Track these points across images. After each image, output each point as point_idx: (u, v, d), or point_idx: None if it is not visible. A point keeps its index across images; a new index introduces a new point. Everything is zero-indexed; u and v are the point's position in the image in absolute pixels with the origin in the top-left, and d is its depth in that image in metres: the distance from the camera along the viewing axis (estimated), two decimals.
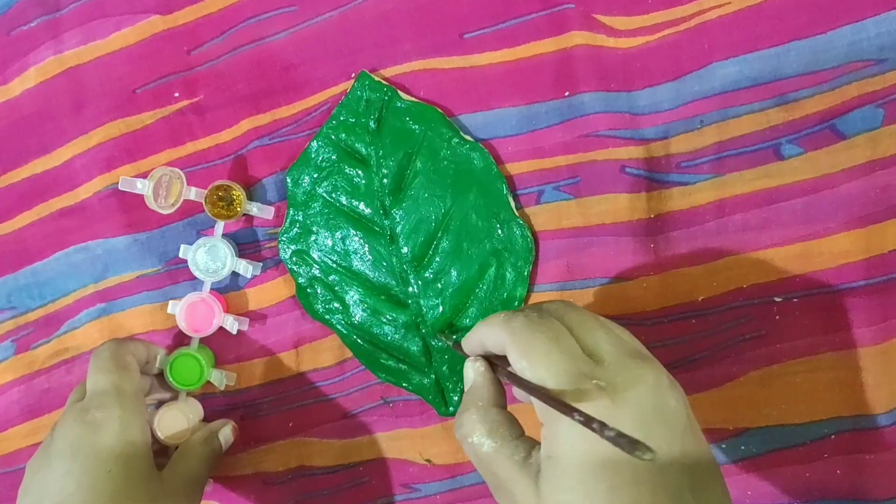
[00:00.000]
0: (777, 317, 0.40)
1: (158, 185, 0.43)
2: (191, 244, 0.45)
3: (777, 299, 0.40)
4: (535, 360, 0.29)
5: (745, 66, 0.40)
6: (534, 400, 0.29)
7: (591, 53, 0.41)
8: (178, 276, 0.47)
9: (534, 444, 0.30)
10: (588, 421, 0.25)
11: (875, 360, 0.39)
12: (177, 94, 0.46)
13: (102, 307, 0.48)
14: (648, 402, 0.28)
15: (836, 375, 0.40)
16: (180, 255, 0.45)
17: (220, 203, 0.44)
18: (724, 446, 0.41)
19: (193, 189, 0.44)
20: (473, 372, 0.33)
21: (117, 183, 0.47)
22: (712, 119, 0.40)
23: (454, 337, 0.42)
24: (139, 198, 0.46)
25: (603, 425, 0.24)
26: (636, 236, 0.41)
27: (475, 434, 0.30)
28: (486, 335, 0.32)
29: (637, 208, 0.41)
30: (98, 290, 0.48)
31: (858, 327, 0.39)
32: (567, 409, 0.26)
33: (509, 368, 0.30)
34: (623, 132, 0.41)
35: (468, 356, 0.34)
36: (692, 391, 0.41)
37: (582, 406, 0.27)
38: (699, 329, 0.41)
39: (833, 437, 0.40)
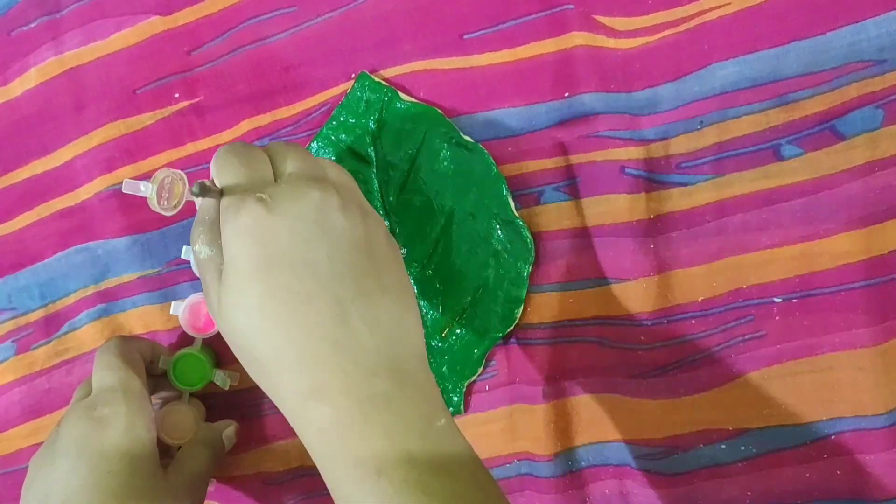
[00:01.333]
0: (777, 317, 0.40)
1: (161, 187, 0.43)
2: (185, 246, 0.45)
3: (777, 299, 0.40)
4: (221, 175, 0.32)
5: (745, 67, 0.40)
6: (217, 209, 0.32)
7: (591, 54, 0.41)
8: (178, 276, 0.47)
9: None
10: (197, 186, 0.30)
11: (875, 360, 0.39)
12: (177, 95, 0.46)
13: (103, 308, 0.48)
14: (308, 216, 0.30)
15: (836, 375, 0.40)
16: (182, 256, 0.45)
17: None
18: (723, 446, 0.41)
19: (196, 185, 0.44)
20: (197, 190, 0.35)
21: (118, 184, 0.47)
22: (712, 119, 0.40)
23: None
24: (139, 199, 0.46)
25: (198, 183, 0.29)
26: (636, 237, 0.41)
27: (198, 243, 0.32)
28: (211, 164, 0.34)
29: (637, 209, 0.41)
30: (98, 290, 0.48)
31: (858, 328, 0.39)
32: (200, 190, 0.30)
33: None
34: (623, 133, 0.41)
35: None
36: (692, 392, 0.41)
37: (240, 214, 0.30)
38: (699, 329, 0.41)
39: (833, 437, 0.40)
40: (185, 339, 0.47)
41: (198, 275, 0.45)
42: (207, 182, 0.31)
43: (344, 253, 0.31)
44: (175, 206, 0.44)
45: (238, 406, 0.47)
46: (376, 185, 0.44)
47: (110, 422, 0.38)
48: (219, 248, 0.31)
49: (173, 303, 0.45)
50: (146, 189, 0.42)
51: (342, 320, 0.30)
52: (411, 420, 0.30)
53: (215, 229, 0.32)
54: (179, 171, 0.43)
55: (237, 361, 0.46)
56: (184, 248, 0.45)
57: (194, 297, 0.45)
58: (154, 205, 0.43)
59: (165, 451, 0.44)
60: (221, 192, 0.32)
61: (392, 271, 0.33)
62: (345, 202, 0.31)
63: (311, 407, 0.30)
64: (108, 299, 0.48)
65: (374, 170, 0.44)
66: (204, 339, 0.46)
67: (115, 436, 0.37)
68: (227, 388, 0.46)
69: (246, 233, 0.30)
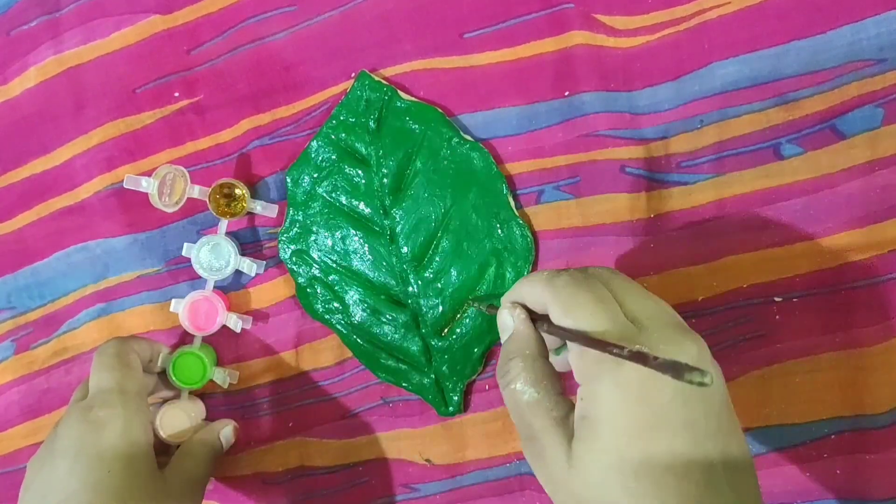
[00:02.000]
0: (777, 317, 0.40)
1: (163, 183, 0.43)
2: (192, 243, 0.45)
3: (777, 299, 0.40)
4: (579, 318, 0.28)
5: (745, 66, 0.40)
6: (572, 359, 0.28)
7: (591, 53, 0.41)
8: (178, 275, 0.47)
9: (573, 406, 0.30)
10: (635, 355, 0.24)
11: (875, 359, 0.39)
12: (177, 94, 0.46)
13: (102, 307, 0.48)
14: None
15: (836, 375, 0.40)
16: (183, 254, 0.45)
17: (225, 201, 0.44)
18: None
19: (197, 187, 0.44)
20: (514, 319, 0.32)
21: (117, 183, 0.47)
22: (712, 119, 0.40)
23: (481, 303, 0.41)
24: (139, 197, 0.46)
25: (650, 355, 0.24)
26: (636, 236, 0.41)
27: (519, 381, 0.30)
28: (526, 292, 0.31)
29: (637, 208, 0.41)
30: (98, 289, 0.48)
31: (858, 327, 0.39)
32: (611, 347, 0.26)
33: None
34: (623, 132, 0.41)
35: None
36: None
37: (623, 371, 0.26)
38: (699, 329, 0.41)
39: (833, 437, 0.40)
40: (184, 339, 0.47)
41: (201, 275, 0.45)
42: (636, 349, 0.26)
43: (717, 415, 0.28)
44: (176, 203, 0.44)
45: (238, 406, 0.47)
46: (376, 184, 0.44)
47: (107, 423, 0.38)
48: (546, 391, 0.29)
49: (173, 301, 0.45)
50: (148, 185, 0.42)
51: (713, 490, 0.27)
52: None
53: (538, 367, 0.30)
54: (181, 168, 0.43)
55: (240, 360, 0.47)
56: (185, 245, 0.45)
57: (195, 295, 0.45)
58: (155, 200, 0.43)
59: (164, 450, 0.44)
60: (579, 338, 0.28)
61: (741, 433, 0.29)
62: (711, 356, 0.29)
63: None
64: (108, 298, 0.48)
65: (374, 169, 0.44)
66: (204, 338, 0.46)
67: (111, 437, 0.38)
68: (226, 387, 0.46)
69: (627, 388, 0.27)
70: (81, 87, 0.47)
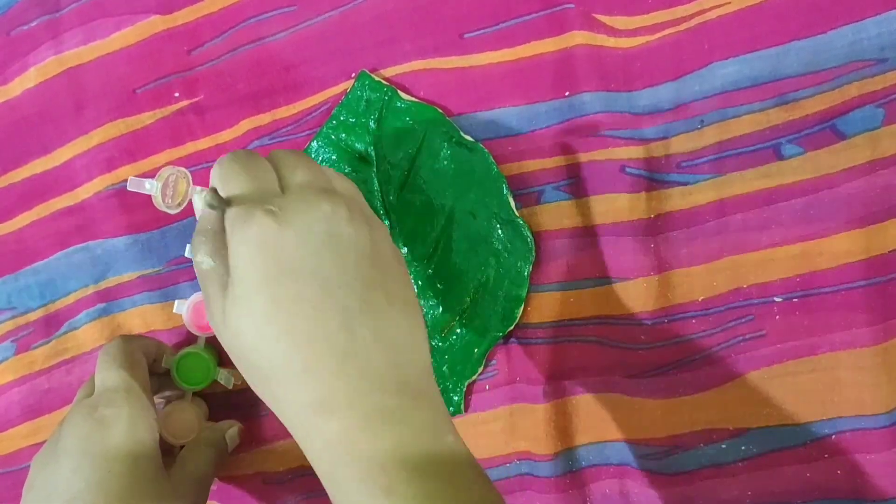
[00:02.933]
0: (777, 317, 0.40)
1: (165, 184, 0.43)
2: (189, 244, 0.45)
3: (777, 299, 0.40)
4: (225, 185, 0.32)
5: (746, 66, 0.40)
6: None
7: (591, 53, 0.41)
8: (178, 276, 0.47)
9: None
10: (213, 200, 0.30)
11: (875, 360, 0.39)
12: (177, 94, 0.46)
13: (103, 307, 0.48)
14: (319, 228, 0.30)
15: (836, 375, 0.40)
16: (186, 255, 0.45)
17: None
18: (724, 446, 0.41)
19: (199, 188, 0.44)
20: (201, 201, 0.34)
21: (118, 183, 0.47)
22: (712, 119, 0.40)
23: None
24: (139, 198, 0.46)
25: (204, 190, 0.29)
26: (636, 236, 0.41)
27: (200, 252, 0.32)
28: (212, 172, 0.34)
29: (637, 208, 0.41)
30: (98, 290, 0.48)
31: (858, 327, 0.39)
32: (214, 200, 0.30)
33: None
34: (623, 132, 0.41)
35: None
36: (692, 391, 0.41)
37: (249, 225, 0.29)
38: (699, 329, 0.41)
39: (833, 437, 0.40)
40: (186, 339, 0.47)
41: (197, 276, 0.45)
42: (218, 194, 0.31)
43: (351, 264, 0.30)
44: (179, 205, 0.44)
45: (239, 406, 0.47)
46: (376, 184, 0.44)
47: (112, 422, 0.38)
48: (222, 259, 0.31)
49: (176, 301, 0.45)
50: (151, 187, 0.42)
51: (350, 332, 0.29)
52: (420, 436, 0.29)
53: (218, 239, 0.31)
54: (184, 169, 0.43)
55: None
56: (187, 246, 0.45)
57: (198, 296, 0.45)
58: (158, 203, 0.43)
59: (168, 451, 0.44)
60: (228, 203, 0.31)
61: (399, 283, 0.32)
62: (353, 214, 0.31)
63: (317, 420, 0.29)
64: (108, 299, 0.48)
65: (375, 169, 0.44)
66: (207, 338, 0.46)
67: (117, 437, 0.37)
68: (230, 387, 0.46)
69: (255, 244, 0.29)
70: (81, 88, 0.47)
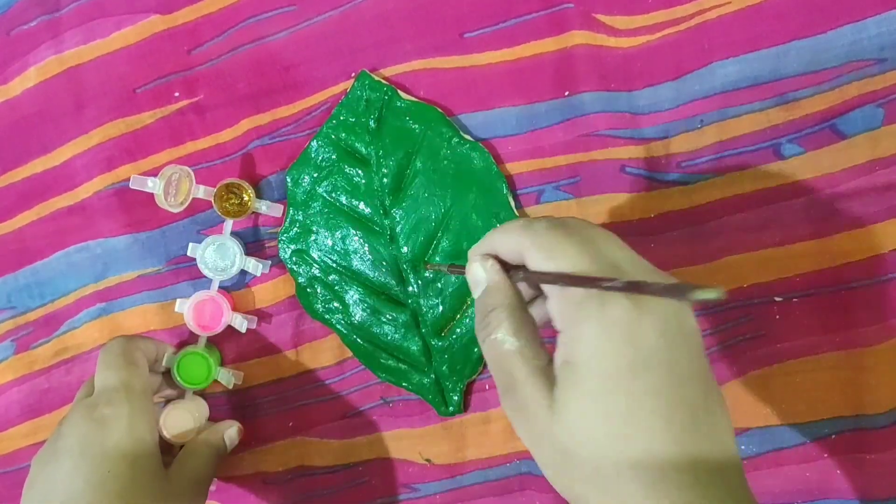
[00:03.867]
0: (777, 317, 0.40)
1: (168, 183, 0.43)
2: (192, 243, 0.45)
3: (777, 299, 0.40)
4: (561, 261, 0.27)
5: (746, 66, 0.40)
6: (552, 305, 0.28)
7: (591, 53, 0.41)
8: (178, 275, 0.47)
9: (552, 357, 0.29)
10: (630, 284, 0.24)
11: (875, 359, 0.39)
12: (177, 94, 0.46)
13: (102, 307, 0.48)
14: (671, 314, 0.26)
15: (836, 375, 0.40)
16: (188, 254, 0.45)
17: (230, 201, 0.44)
18: None
19: (202, 187, 0.44)
20: (486, 272, 0.31)
21: (118, 182, 0.47)
22: (712, 119, 0.40)
23: (440, 265, 0.40)
24: (140, 197, 0.46)
25: (645, 282, 0.23)
26: (636, 236, 0.41)
27: (500, 331, 0.29)
28: (500, 241, 0.30)
29: (637, 208, 0.41)
30: (98, 289, 0.48)
31: (858, 327, 0.39)
32: (602, 281, 0.25)
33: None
34: (623, 132, 0.41)
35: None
36: None
37: (607, 308, 0.26)
38: (699, 328, 0.41)
39: (833, 437, 0.40)
40: (185, 339, 0.47)
41: (206, 275, 0.45)
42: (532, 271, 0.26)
43: (699, 358, 0.27)
44: (182, 203, 0.44)
45: (239, 406, 0.47)
46: (376, 184, 0.44)
47: (112, 422, 0.38)
48: (527, 339, 0.28)
49: (178, 301, 0.45)
50: (154, 185, 0.42)
51: (697, 431, 0.26)
52: None
53: (518, 317, 0.29)
54: (187, 168, 0.43)
55: (240, 360, 0.47)
56: (190, 245, 0.45)
57: (199, 295, 0.45)
58: (161, 201, 0.43)
59: (167, 450, 0.44)
60: (564, 279, 0.27)
61: (714, 379, 0.29)
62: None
63: None
64: (108, 298, 0.48)
65: (374, 169, 0.44)
66: (208, 338, 0.46)
67: (117, 436, 0.37)
68: (231, 387, 0.46)
69: (613, 329, 0.26)
70: (81, 87, 0.47)
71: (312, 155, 0.44)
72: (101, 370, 0.40)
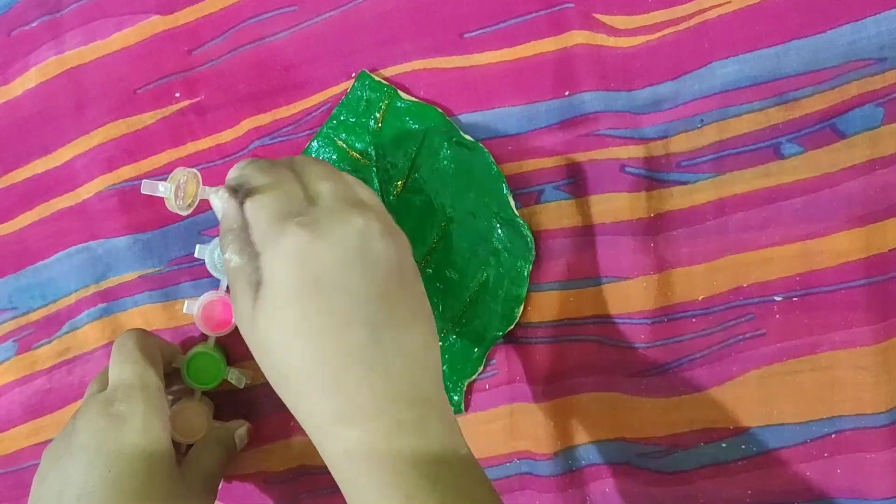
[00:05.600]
0: (777, 316, 0.40)
1: (178, 186, 0.43)
2: (199, 245, 0.45)
3: (777, 298, 0.40)
4: (254, 199, 0.32)
5: (746, 66, 0.40)
6: (251, 227, 0.32)
7: (591, 53, 0.41)
8: (179, 276, 0.47)
9: None
10: (231, 192, 0.31)
11: (875, 359, 0.39)
12: (178, 95, 0.46)
13: (104, 307, 0.48)
14: (351, 243, 0.31)
15: (836, 375, 0.40)
16: (196, 255, 0.45)
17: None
18: (724, 446, 0.41)
19: (216, 188, 0.44)
20: (219, 200, 0.35)
21: (118, 183, 0.47)
22: (712, 118, 0.40)
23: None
24: (140, 198, 0.46)
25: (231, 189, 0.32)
26: (636, 235, 0.41)
27: (229, 250, 0.33)
28: (229, 175, 0.35)
29: (637, 207, 0.41)
30: (99, 290, 0.48)
31: (858, 326, 0.39)
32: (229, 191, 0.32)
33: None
34: (623, 131, 0.41)
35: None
36: (692, 390, 0.41)
37: (284, 237, 0.30)
38: (699, 328, 0.41)
39: (833, 436, 0.40)
40: (188, 339, 0.47)
41: (215, 276, 0.45)
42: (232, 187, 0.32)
43: (380, 279, 0.31)
44: (189, 206, 0.44)
45: (240, 405, 0.47)
46: (376, 184, 0.44)
47: (128, 419, 0.37)
48: (250, 257, 0.32)
49: (187, 302, 0.45)
50: (165, 189, 0.42)
51: (376, 346, 0.30)
52: (437, 449, 0.30)
53: (245, 237, 0.32)
54: (194, 170, 0.43)
55: (249, 359, 0.47)
56: (197, 246, 0.45)
57: (209, 296, 0.45)
58: (171, 205, 0.43)
59: (175, 449, 0.44)
60: (249, 193, 0.33)
61: (419, 298, 0.33)
62: (384, 229, 0.32)
63: (338, 428, 0.30)
64: (109, 299, 0.48)
65: (374, 169, 0.44)
66: (217, 338, 0.46)
67: (133, 434, 0.37)
68: (242, 387, 0.46)
69: (290, 255, 0.30)
70: (82, 88, 0.47)
71: (313, 155, 0.44)
72: (117, 363, 0.40)
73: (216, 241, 0.45)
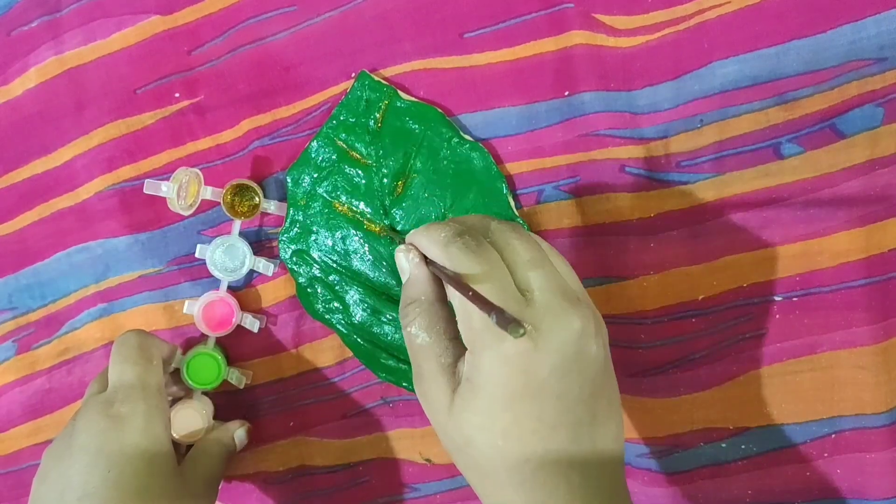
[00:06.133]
0: (777, 316, 0.40)
1: (180, 186, 0.43)
2: (200, 245, 0.45)
3: (777, 298, 0.40)
4: (454, 263, 0.30)
5: (745, 66, 0.40)
6: (460, 325, 0.30)
7: (590, 53, 0.41)
8: (179, 276, 0.47)
9: (463, 351, 0.31)
10: (502, 319, 0.26)
11: (875, 359, 0.39)
12: (177, 95, 0.46)
13: (103, 307, 0.48)
14: (570, 349, 0.29)
15: (836, 375, 0.40)
16: (197, 255, 0.45)
17: (239, 202, 0.44)
18: (724, 445, 0.41)
19: (210, 189, 0.44)
20: (408, 263, 0.33)
21: (118, 183, 0.47)
22: (712, 118, 0.40)
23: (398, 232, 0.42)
24: (140, 197, 0.46)
25: (502, 311, 0.26)
26: (636, 236, 0.41)
27: (414, 325, 0.31)
28: (424, 247, 0.32)
29: (637, 207, 0.41)
30: (99, 290, 0.48)
31: (858, 326, 0.39)
32: (486, 306, 0.27)
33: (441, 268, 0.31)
34: (623, 131, 0.41)
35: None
36: (693, 390, 0.41)
37: (505, 343, 0.28)
38: (699, 328, 0.41)
39: (833, 435, 0.40)
40: (187, 340, 0.47)
41: (215, 276, 0.45)
42: (506, 314, 0.27)
43: (590, 380, 0.30)
44: (191, 206, 0.44)
45: (240, 406, 0.47)
46: (376, 184, 0.44)
47: (129, 420, 0.38)
48: (438, 336, 0.31)
49: (187, 302, 0.45)
50: (167, 189, 0.42)
51: (576, 444, 0.30)
52: None
53: (434, 312, 0.31)
54: (196, 170, 0.43)
55: (249, 359, 0.47)
56: (198, 246, 0.45)
57: (209, 296, 0.45)
58: (174, 204, 0.43)
59: (175, 449, 0.44)
60: (469, 290, 0.29)
61: (615, 388, 0.32)
62: (596, 327, 0.31)
63: None
64: (109, 299, 0.48)
65: (374, 169, 0.44)
66: (217, 338, 0.46)
67: (134, 435, 0.37)
68: (241, 387, 0.46)
69: (511, 363, 0.29)
70: (82, 88, 0.48)
71: (312, 155, 0.44)
72: (117, 363, 0.40)
73: (216, 240, 0.45)
